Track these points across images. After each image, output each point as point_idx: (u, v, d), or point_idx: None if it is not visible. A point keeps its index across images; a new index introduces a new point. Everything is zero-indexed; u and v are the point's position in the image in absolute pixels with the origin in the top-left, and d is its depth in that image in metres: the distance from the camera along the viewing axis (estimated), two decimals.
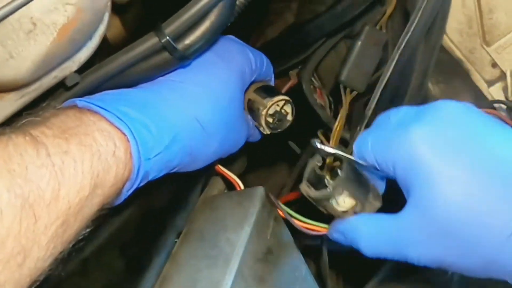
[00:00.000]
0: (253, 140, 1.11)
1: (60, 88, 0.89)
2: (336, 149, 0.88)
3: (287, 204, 1.14)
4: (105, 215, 0.85)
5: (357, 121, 1.09)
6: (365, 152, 0.85)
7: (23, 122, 0.75)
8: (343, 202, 0.90)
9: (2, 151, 0.67)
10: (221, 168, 1.08)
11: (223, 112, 0.95)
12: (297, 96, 1.22)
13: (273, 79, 1.14)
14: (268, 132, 1.08)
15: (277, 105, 1.06)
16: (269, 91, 1.07)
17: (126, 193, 0.83)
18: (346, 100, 1.18)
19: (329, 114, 1.27)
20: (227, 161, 1.08)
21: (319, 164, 0.93)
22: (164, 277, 0.91)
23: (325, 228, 0.96)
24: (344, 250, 1.30)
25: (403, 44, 0.98)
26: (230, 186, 1.08)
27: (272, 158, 1.55)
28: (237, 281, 0.85)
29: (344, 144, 1.18)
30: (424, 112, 0.82)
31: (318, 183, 0.91)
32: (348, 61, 1.14)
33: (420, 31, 0.99)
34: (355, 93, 1.19)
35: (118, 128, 0.80)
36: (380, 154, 0.83)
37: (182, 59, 0.92)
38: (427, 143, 0.79)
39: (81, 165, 0.73)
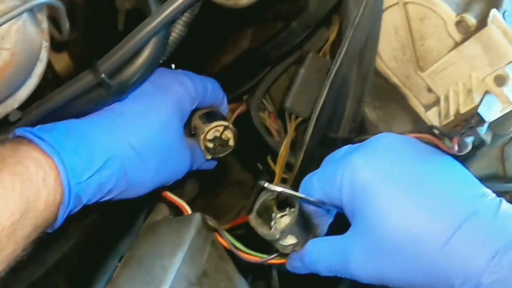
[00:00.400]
0: (207, 168, 1.16)
1: (4, 123, 0.94)
2: (283, 187, 0.94)
3: (243, 225, 1.19)
4: (53, 240, 0.90)
5: (299, 147, 1.13)
6: (312, 189, 0.93)
7: None
8: (286, 242, 0.97)
9: None
10: (168, 194, 1.12)
11: (157, 139, 1.00)
12: (249, 122, 1.27)
13: (225, 103, 1.18)
14: (209, 157, 1.13)
15: (217, 130, 1.12)
16: (210, 117, 1.13)
17: (62, 216, 0.88)
18: (291, 126, 1.23)
19: (279, 139, 1.29)
20: (177, 186, 1.12)
21: (271, 197, 0.98)
22: None
23: (264, 257, 1.02)
24: None
25: (334, 70, 1.03)
26: (178, 211, 1.12)
27: (234, 176, 1.58)
28: None
29: (289, 167, 1.22)
30: (364, 144, 0.93)
31: (267, 217, 0.97)
32: (292, 88, 1.18)
33: (351, 57, 1.03)
34: (300, 118, 1.23)
35: (48, 155, 0.86)
36: (327, 186, 0.91)
37: (118, 94, 0.98)
38: (367, 169, 0.88)
39: (12, 192, 0.79)
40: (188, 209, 1.11)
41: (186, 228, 1.01)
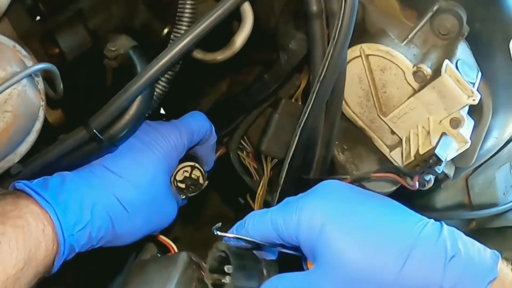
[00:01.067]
0: (180, 205, 1.24)
1: (6, 176, 1.04)
2: (235, 234, 1.01)
3: None
4: (47, 283, 0.99)
5: (274, 189, 1.22)
6: (264, 230, 1.00)
7: None
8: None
9: None
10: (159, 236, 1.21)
11: (144, 194, 1.08)
12: (230, 162, 1.36)
13: (213, 133, 1.25)
14: (183, 197, 1.21)
15: (185, 171, 1.20)
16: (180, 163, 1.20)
17: (58, 265, 0.97)
18: (267, 167, 1.32)
19: (257, 178, 1.39)
20: None
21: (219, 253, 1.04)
22: None
23: None
24: None
25: (303, 121, 1.11)
26: (166, 249, 1.21)
27: (211, 213, 1.67)
28: None
29: (267, 205, 1.30)
30: (314, 189, 1.01)
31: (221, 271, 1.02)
32: (267, 132, 1.26)
33: (318, 107, 1.11)
34: (276, 160, 1.32)
35: (45, 210, 0.95)
36: (283, 227, 0.97)
37: (109, 148, 1.07)
38: (322, 210, 0.96)
39: (16, 243, 0.88)
40: (174, 248, 1.19)
41: (173, 267, 1.07)
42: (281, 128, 1.27)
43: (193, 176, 1.21)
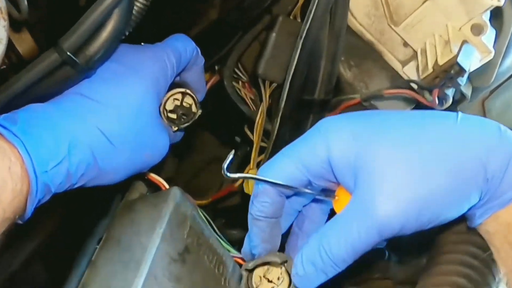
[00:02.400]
0: (175, 141, 1.11)
1: None
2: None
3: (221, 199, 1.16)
4: (28, 229, 0.87)
5: (275, 114, 1.10)
6: (293, 171, 0.88)
7: None
8: None
9: None
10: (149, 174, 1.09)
11: (130, 122, 0.94)
12: (224, 92, 1.24)
13: (200, 56, 1.11)
14: (175, 129, 1.07)
15: (175, 99, 1.06)
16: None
17: (30, 207, 0.84)
18: (265, 93, 1.20)
19: (254, 108, 1.27)
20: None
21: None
22: (83, 285, 0.91)
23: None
24: None
25: (305, 30, 1.00)
26: (157, 189, 1.09)
27: (212, 153, 1.55)
28: (148, 283, 0.86)
29: (267, 135, 1.19)
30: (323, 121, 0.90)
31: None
32: (264, 54, 1.15)
33: (321, 16, 1.01)
34: (275, 84, 1.20)
35: (13, 145, 0.81)
36: (309, 161, 0.86)
37: (85, 71, 0.93)
38: (346, 127, 0.85)
39: None
40: (166, 185, 1.07)
41: (164, 203, 0.96)
42: (279, 48, 1.15)
43: (184, 104, 1.07)
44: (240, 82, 1.28)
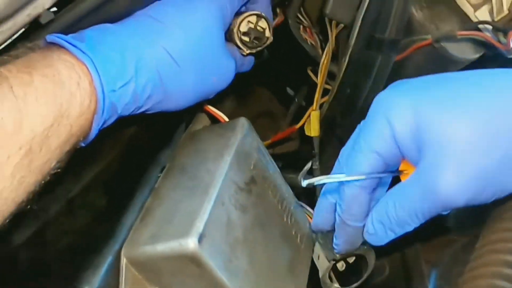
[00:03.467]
0: (245, 70, 1.09)
1: (36, 27, 0.89)
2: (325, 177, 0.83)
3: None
4: (89, 155, 0.86)
5: (343, 53, 1.08)
6: (369, 161, 0.83)
7: None
8: None
9: None
10: (208, 106, 1.07)
11: (197, 45, 0.93)
12: (285, 35, 1.21)
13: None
14: (247, 52, 1.03)
15: (249, 21, 1.03)
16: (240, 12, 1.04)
17: (96, 127, 0.83)
18: (332, 33, 1.17)
19: (319, 50, 1.24)
20: (214, 103, 1.07)
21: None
22: (146, 211, 0.91)
23: None
24: None
25: None
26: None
27: (263, 106, 1.52)
28: (216, 209, 0.84)
29: (331, 76, 1.17)
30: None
31: None
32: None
33: None
34: (341, 26, 1.17)
35: (81, 61, 0.80)
36: (379, 144, 0.81)
37: None
38: (405, 100, 0.79)
39: (44, 95, 0.73)
40: (225, 118, 1.05)
41: (232, 132, 0.95)
42: None
43: (258, 28, 1.03)
44: (301, 27, 1.25)
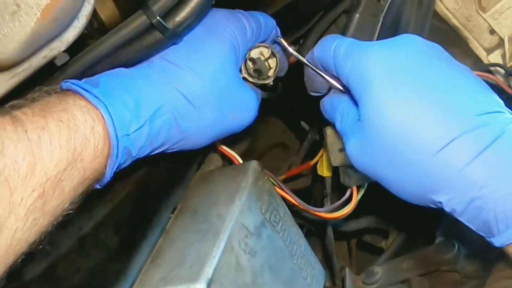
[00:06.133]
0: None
1: (52, 70, 0.90)
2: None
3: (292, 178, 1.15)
4: (101, 194, 0.86)
5: None
6: (326, 56, 0.92)
7: (9, 104, 0.77)
8: None
9: None
10: (221, 146, 1.08)
11: (212, 83, 0.93)
12: (300, 72, 1.22)
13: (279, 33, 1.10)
14: (244, 75, 1.03)
15: (262, 53, 1.03)
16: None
17: (110, 171, 0.84)
18: None
19: None
20: (227, 142, 1.08)
21: None
22: (157, 252, 0.92)
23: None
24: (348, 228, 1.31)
25: (386, 7, 1.00)
26: (229, 163, 1.08)
27: (277, 138, 1.53)
28: (226, 254, 0.85)
29: None
30: (388, 40, 0.89)
31: None
32: (346, 34, 1.13)
33: None
34: None
35: (95, 106, 0.81)
36: (338, 62, 0.89)
37: (174, 37, 0.91)
38: (381, 62, 0.84)
39: (58, 139, 0.74)
40: (239, 160, 1.07)
41: (243, 176, 0.96)
42: (361, 29, 1.12)
43: (266, 63, 1.04)
44: None
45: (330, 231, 1.22)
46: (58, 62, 0.88)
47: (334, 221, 1.22)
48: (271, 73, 1.05)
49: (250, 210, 0.92)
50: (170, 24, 0.89)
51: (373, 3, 1.14)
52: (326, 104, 0.96)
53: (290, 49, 1.00)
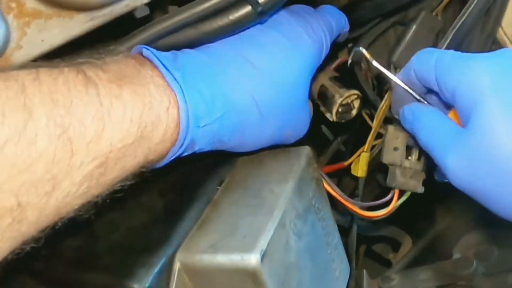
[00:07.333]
0: None
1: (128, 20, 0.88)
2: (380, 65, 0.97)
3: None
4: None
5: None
6: (427, 69, 0.87)
7: (80, 61, 0.74)
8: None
9: (50, 82, 0.66)
10: None
11: (283, 96, 0.91)
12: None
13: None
14: (335, 120, 1.13)
15: (349, 98, 1.12)
16: (344, 82, 1.13)
17: (169, 158, 0.82)
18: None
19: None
20: None
21: None
22: (204, 220, 0.91)
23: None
24: (371, 230, 1.33)
25: (458, 25, 1.00)
26: None
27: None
28: (278, 230, 0.86)
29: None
30: (494, 53, 0.83)
31: None
32: (402, 43, 1.15)
33: (476, 16, 1.00)
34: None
35: (171, 89, 0.79)
36: (442, 74, 0.84)
37: (261, 15, 0.89)
38: (497, 74, 0.79)
39: (131, 112, 0.72)
40: None
41: (296, 159, 0.97)
42: (417, 41, 1.16)
43: (351, 105, 1.15)
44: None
45: (354, 231, 1.24)
46: (138, 14, 0.87)
47: (358, 222, 1.24)
48: (354, 112, 1.16)
49: (301, 193, 0.93)
50: None
51: (431, 18, 1.16)
52: (407, 114, 0.93)
53: (383, 69, 0.99)
